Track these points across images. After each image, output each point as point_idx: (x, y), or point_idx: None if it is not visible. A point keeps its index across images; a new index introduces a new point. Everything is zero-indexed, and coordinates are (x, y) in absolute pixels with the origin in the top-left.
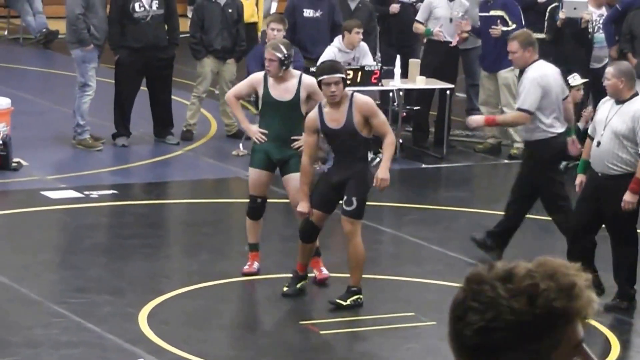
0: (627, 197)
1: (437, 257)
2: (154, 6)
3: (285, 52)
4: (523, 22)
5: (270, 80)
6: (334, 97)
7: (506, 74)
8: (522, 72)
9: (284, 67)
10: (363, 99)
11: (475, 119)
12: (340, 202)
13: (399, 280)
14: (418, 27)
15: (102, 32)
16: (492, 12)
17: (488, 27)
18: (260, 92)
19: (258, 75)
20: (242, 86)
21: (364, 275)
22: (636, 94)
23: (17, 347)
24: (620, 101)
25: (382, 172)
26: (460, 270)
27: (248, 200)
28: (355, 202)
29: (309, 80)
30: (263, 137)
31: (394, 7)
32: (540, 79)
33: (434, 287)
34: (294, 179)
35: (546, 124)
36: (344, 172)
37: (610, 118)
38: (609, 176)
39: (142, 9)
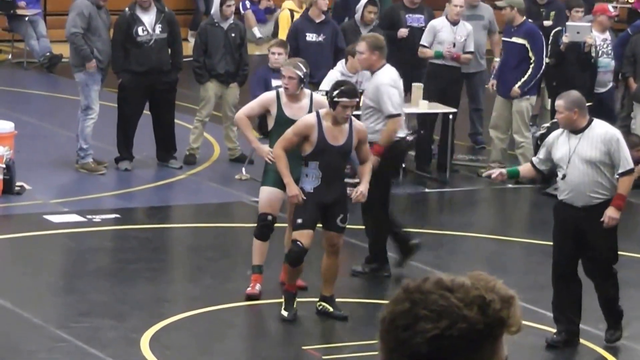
0: (611, 212)
1: None
2: (157, 30)
3: (304, 70)
4: (544, 55)
5: (284, 99)
6: (346, 119)
7: (521, 103)
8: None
9: (302, 86)
10: (360, 124)
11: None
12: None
13: None
14: (425, 52)
15: (105, 55)
16: (514, 39)
17: (509, 53)
18: (274, 111)
19: (270, 95)
20: (253, 106)
21: (367, 300)
22: (591, 120)
23: None
24: (577, 131)
25: (364, 187)
26: None
27: (257, 221)
28: (347, 219)
29: (320, 99)
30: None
31: (403, 32)
32: (393, 82)
33: None
34: None
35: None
36: (334, 192)
37: (574, 150)
38: (593, 206)
39: (146, 32)
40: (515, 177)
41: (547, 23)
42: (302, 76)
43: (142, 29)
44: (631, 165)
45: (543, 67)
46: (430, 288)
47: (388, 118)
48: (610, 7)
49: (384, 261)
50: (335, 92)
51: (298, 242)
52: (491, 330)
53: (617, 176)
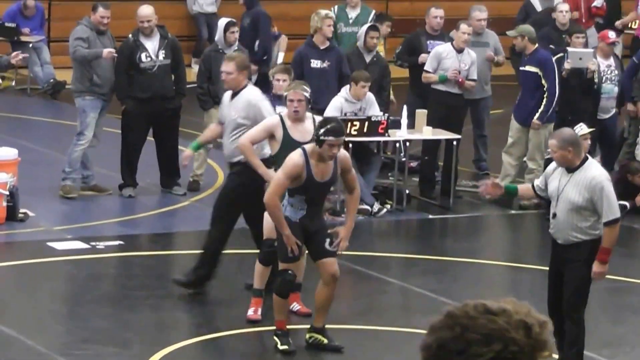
0: (596, 267)
1: (445, 308)
2: (161, 56)
3: (309, 91)
4: (557, 83)
5: (288, 123)
6: (333, 157)
7: (539, 131)
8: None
9: (309, 107)
10: (344, 153)
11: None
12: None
13: (406, 332)
14: (428, 77)
15: (106, 81)
16: (528, 68)
17: (525, 81)
18: (279, 135)
19: (274, 119)
20: (257, 132)
21: (371, 327)
22: (586, 159)
23: None
24: (571, 169)
25: (347, 232)
26: None
27: (262, 247)
28: (332, 242)
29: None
30: None
31: (423, 57)
32: (261, 96)
33: None
34: None
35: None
36: (317, 222)
37: (562, 188)
38: (572, 244)
39: (149, 59)
40: (512, 194)
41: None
42: (309, 97)
43: (146, 55)
44: (615, 215)
45: (557, 93)
46: (475, 313)
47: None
48: (610, 33)
49: (212, 269)
50: (322, 131)
51: (289, 272)
52: (533, 353)
53: (598, 223)
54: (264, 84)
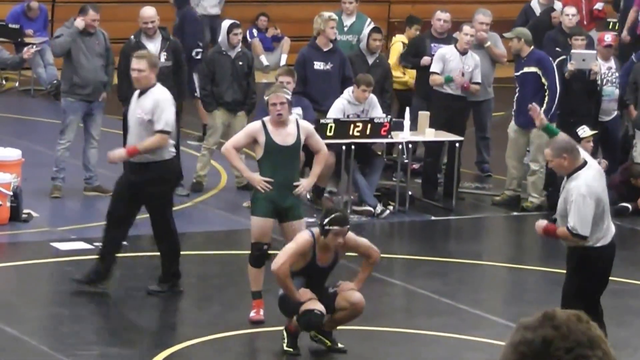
0: (539, 225)
1: (448, 309)
2: (162, 58)
3: (290, 93)
4: (557, 80)
5: (270, 127)
6: (339, 246)
7: (540, 132)
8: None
9: (290, 110)
10: (305, 123)
11: (116, 154)
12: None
13: (409, 333)
14: (435, 79)
15: (88, 82)
16: (526, 69)
17: (524, 85)
18: (262, 140)
19: (256, 125)
20: (239, 137)
21: (374, 328)
22: (582, 166)
23: None
24: (568, 176)
25: (310, 181)
26: (471, 323)
27: (252, 250)
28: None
29: (305, 124)
30: (268, 185)
31: (426, 60)
32: (170, 98)
33: (444, 340)
34: (294, 226)
35: (172, 144)
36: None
37: (561, 193)
38: (566, 252)
39: None
40: (551, 134)
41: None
42: (290, 99)
43: None
44: (583, 233)
45: (558, 90)
46: (573, 318)
47: (158, 132)
48: (606, 36)
49: (177, 278)
50: (326, 221)
51: (316, 311)
52: None
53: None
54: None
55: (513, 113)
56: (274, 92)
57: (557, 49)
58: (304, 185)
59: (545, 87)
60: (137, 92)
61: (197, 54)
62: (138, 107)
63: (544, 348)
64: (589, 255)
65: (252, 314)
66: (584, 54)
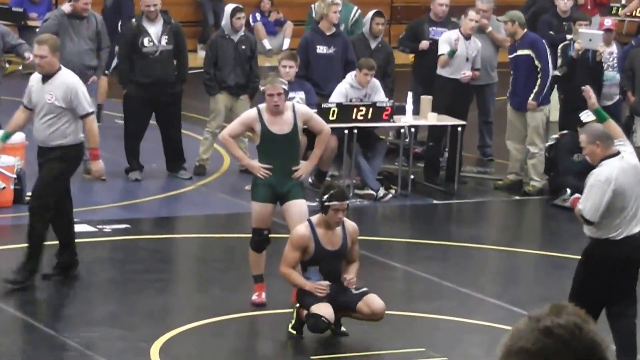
0: (574, 199)
1: (449, 293)
2: (163, 41)
3: (286, 83)
4: (550, 62)
5: (266, 116)
6: (339, 222)
7: (535, 114)
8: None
9: (286, 98)
10: (351, 224)
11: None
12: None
13: (410, 316)
14: (442, 59)
15: (73, 66)
16: (520, 52)
17: (517, 67)
18: (258, 129)
19: (251, 113)
20: (235, 126)
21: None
22: (613, 156)
23: None
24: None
25: (308, 166)
26: (472, 306)
27: (252, 235)
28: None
29: (303, 108)
30: (267, 172)
31: (424, 44)
32: (78, 79)
33: (444, 323)
34: (294, 205)
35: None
36: (338, 288)
37: None
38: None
39: (152, 44)
40: (601, 118)
41: (569, 36)
42: (287, 88)
43: (148, 40)
44: (583, 213)
45: (551, 73)
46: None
47: (85, 117)
48: (606, 20)
49: (74, 258)
50: (325, 197)
51: (324, 319)
52: None
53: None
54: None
55: (508, 95)
56: (271, 83)
57: (550, 32)
58: (303, 168)
59: (538, 69)
60: (38, 77)
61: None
62: (46, 93)
63: (564, 346)
64: (594, 247)
65: (255, 297)
66: (591, 33)
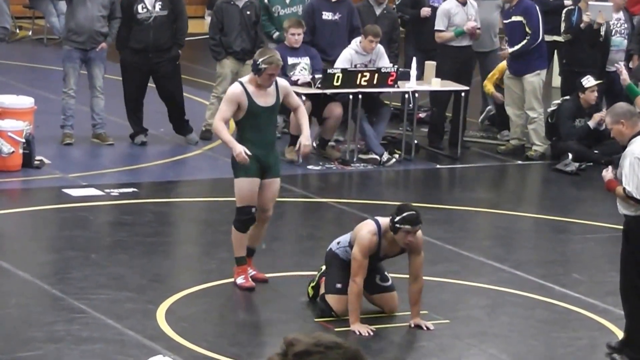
0: (607, 175)
1: (451, 256)
2: (157, 7)
3: (282, 62)
4: (541, 31)
5: (251, 88)
6: (408, 245)
7: (532, 78)
8: None
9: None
10: (282, 80)
11: None
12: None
13: None
14: (442, 35)
15: (83, 30)
16: (513, 18)
17: (511, 33)
18: (245, 103)
19: (236, 90)
20: (224, 109)
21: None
22: (638, 134)
23: (39, 342)
24: (625, 146)
25: (308, 139)
26: (475, 269)
27: (238, 214)
28: (388, 277)
29: (284, 82)
30: (247, 158)
31: (425, 11)
32: None
33: (447, 286)
34: (273, 184)
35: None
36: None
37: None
38: (629, 217)
39: (145, 10)
40: (633, 93)
41: (567, 2)
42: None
43: (142, 6)
44: (633, 194)
45: (539, 40)
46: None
47: None
48: None
49: None
50: (398, 218)
51: (332, 313)
52: None
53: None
54: None
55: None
56: (276, 64)
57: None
58: (304, 142)
59: (528, 34)
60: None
61: None
62: None
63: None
64: (637, 223)
65: (241, 280)
66: (601, 5)
